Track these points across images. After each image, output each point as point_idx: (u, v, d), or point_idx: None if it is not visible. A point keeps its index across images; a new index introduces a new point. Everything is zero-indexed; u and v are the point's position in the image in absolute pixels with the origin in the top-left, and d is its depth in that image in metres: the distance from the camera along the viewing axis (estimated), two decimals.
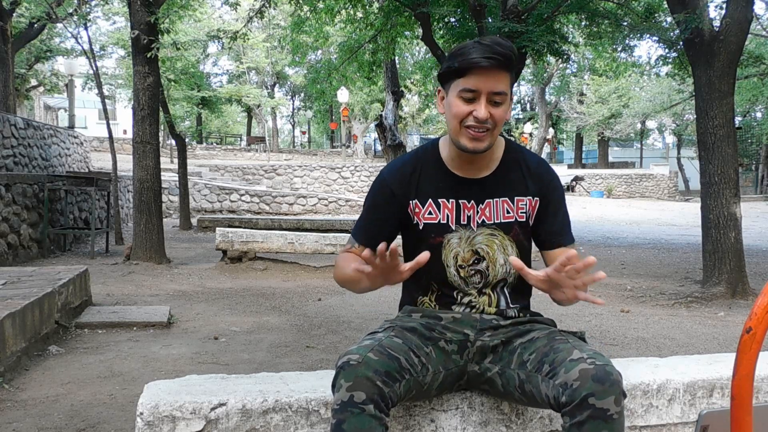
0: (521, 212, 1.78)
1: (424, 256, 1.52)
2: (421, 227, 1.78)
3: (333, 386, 1.52)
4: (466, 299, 1.79)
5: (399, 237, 1.89)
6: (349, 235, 1.87)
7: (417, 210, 1.79)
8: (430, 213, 1.78)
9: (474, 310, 1.77)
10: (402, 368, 1.55)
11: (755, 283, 6.68)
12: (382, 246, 1.52)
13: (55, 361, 3.84)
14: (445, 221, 1.77)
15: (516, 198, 1.78)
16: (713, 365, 2.06)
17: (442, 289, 1.80)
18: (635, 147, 45.60)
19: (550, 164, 1.92)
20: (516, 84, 12.37)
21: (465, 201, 1.77)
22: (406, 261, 1.86)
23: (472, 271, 1.77)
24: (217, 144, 38.15)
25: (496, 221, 1.77)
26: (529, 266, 1.82)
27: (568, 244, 1.81)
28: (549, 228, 1.80)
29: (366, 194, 1.88)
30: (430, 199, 1.78)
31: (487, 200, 1.77)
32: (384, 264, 1.54)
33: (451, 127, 1.73)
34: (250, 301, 5.99)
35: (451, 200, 1.78)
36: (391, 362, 1.53)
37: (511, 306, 1.80)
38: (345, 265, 1.76)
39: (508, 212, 1.78)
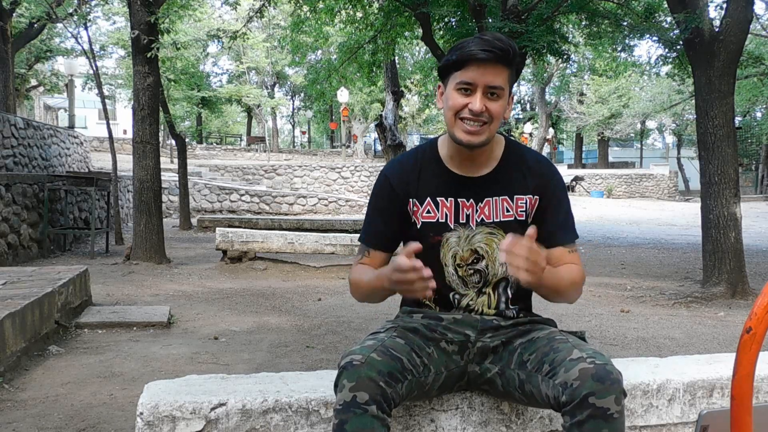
0: (521, 211, 1.75)
1: (416, 245, 1.54)
2: (419, 226, 1.76)
3: (336, 386, 1.51)
4: (464, 301, 1.77)
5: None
6: (359, 244, 1.86)
7: (415, 209, 1.76)
8: (428, 212, 1.75)
9: (473, 313, 1.75)
10: (404, 369, 1.55)
11: (755, 283, 6.68)
12: (416, 246, 1.55)
13: (55, 361, 3.84)
14: (443, 220, 1.74)
15: (516, 197, 1.75)
16: (713, 365, 2.05)
17: (441, 289, 1.75)
18: (635, 147, 45.56)
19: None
20: (516, 84, 12.33)
21: (464, 200, 1.74)
22: None
23: (471, 271, 1.75)
24: (217, 144, 38.13)
25: (495, 220, 1.74)
26: None
27: (568, 242, 1.77)
28: (548, 227, 1.74)
29: (369, 196, 1.85)
30: (428, 198, 1.75)
31: (486, 199, 1.74)
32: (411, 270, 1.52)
33: (447, 119, 1.71)
34: (250, 301, 5.99)
35: (449, 199, 1.75)
36: (393, 363, 1.53)
37: (511, 307, 1.78)
38: (361, 278, 1.76)
39: (507, 211, 1.74)
